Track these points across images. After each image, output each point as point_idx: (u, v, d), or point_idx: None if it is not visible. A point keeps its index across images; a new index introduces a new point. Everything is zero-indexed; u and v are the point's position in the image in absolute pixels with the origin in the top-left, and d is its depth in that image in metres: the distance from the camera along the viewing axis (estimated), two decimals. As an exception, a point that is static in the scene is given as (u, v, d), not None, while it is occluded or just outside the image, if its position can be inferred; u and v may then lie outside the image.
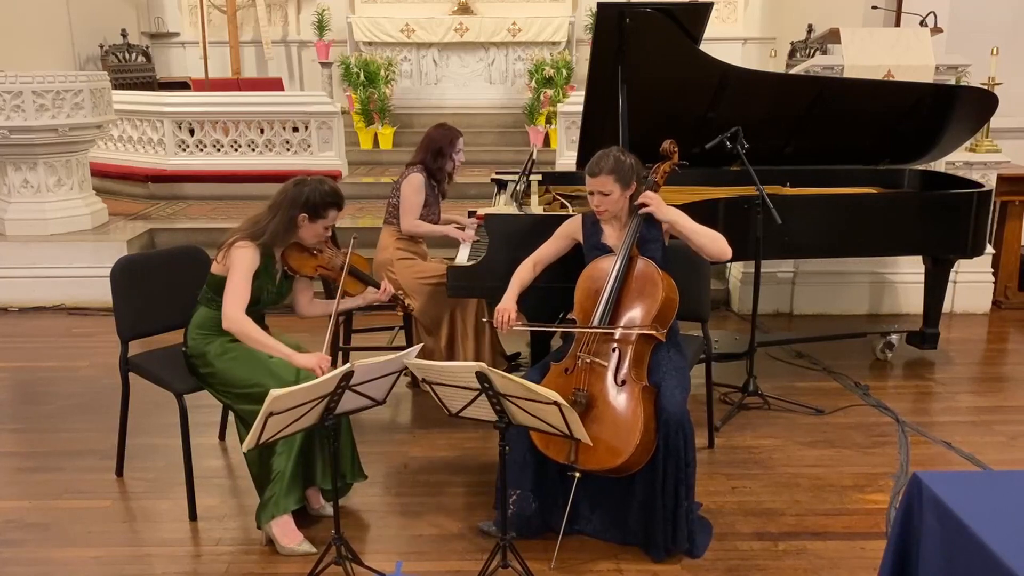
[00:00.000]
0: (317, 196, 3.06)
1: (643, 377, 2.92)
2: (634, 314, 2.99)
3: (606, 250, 3.14)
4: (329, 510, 3.12)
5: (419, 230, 4.15)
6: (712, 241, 3.12)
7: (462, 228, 4.29)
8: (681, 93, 4.29)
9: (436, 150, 4.18)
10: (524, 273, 3.27)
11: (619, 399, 2.86)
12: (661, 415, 2.84)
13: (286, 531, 2.95)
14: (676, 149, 3.29)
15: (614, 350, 2.93)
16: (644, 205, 3.08)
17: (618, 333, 2.94)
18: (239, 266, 3.01)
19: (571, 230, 3.28)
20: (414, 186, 4.13)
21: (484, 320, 3.14)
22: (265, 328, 3.22)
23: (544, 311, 3.50)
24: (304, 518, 3.08)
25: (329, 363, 3.00)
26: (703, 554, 2.93)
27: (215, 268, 3.11)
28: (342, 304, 3.29)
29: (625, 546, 2.95)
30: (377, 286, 3.37)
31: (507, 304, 3.16)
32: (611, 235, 3.17)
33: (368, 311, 4.29)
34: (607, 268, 3.04)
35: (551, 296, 3.43)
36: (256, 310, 3.13)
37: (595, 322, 2.96)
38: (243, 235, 3.05)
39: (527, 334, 4.25)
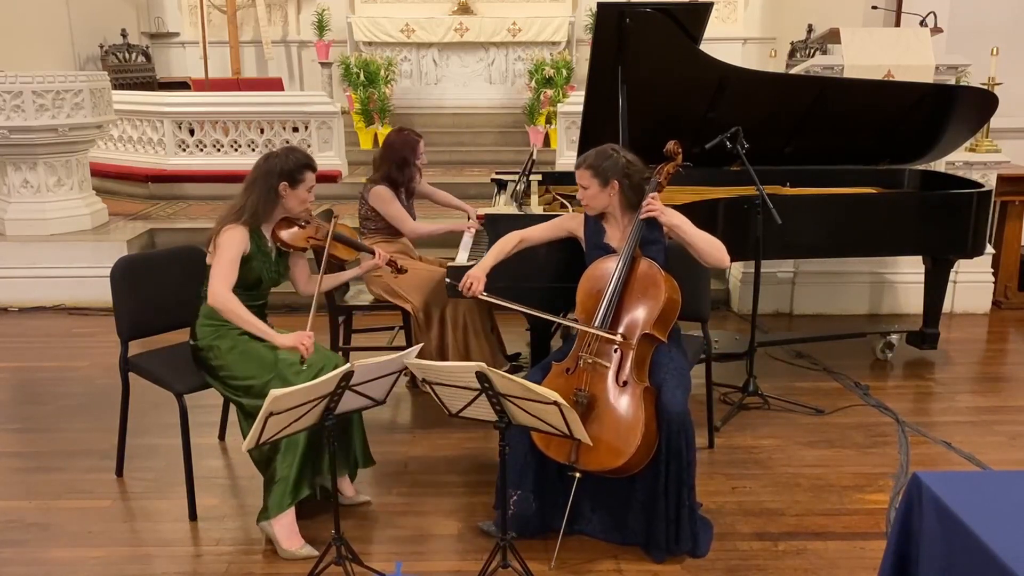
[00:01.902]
0: (290, 162, 3.13)
1: (644, 378, 2.91)
2: (636, 315, 2.98)
3: (609, 250, 3.13)
4: (360, 498, 3.25)
5: (421, 231, 4.14)
6: (712, 248, 3.12)
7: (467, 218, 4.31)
8: (681, 93, 4.29)
9: (400, 160, 4.08)
10: (507, 245, 3.25)
11: (621, 400, 2.85)
12: (663, 415, 2.83)
13: (289, 534, 2.94)
14: (680, 150, 3.27)
15: (616, 351, 2.92)
16: (646, 207, 3.07)
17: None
18: (226, 247, 3.04)
19: (570, 225, 3.27)
20: (386, 198, 4.06)
21: (448, 282, 3.12)
22: (267, 323, 3.22)
23: (547, 311, 3.50)
24: (304, 518, 3.07)
25: (311, 340, 3.00)
26: (706, 553, 2.93)
27: (210, 259, 3.13)
28: (344, 274, 3.44)
29: (625, 546, 2.95)
30: (372, 253, 3.46)
31: (478, 272, 3.14)
32: (614, 235, 3.16)
33: (368, 311, 4.32)
34: (610, 268, 3.04)
35: (554, 296, 3.42)
36: (260, 292, 3.16)
37: (597, 322, 2.95)
38: (228, 220, 3.09)
39: (528, 335, 4.25)
